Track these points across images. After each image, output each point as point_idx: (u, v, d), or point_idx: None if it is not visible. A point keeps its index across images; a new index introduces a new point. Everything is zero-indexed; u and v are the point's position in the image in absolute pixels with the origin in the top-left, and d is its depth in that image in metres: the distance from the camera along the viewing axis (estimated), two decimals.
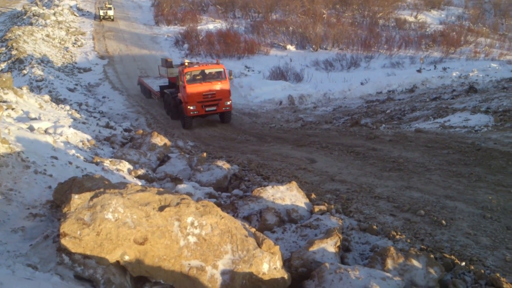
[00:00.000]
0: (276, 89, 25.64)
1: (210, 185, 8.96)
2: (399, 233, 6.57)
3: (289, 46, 35.24)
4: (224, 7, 44.13)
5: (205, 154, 11.40)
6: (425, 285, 5.09)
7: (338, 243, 5.85)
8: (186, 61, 21.13)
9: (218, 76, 19.62)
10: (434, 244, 6.25)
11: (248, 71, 30.40)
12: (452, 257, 5.77)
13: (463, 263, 5.60)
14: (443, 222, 6.93)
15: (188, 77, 19.16)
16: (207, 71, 19.48)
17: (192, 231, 5.00)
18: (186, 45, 35.27)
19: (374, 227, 6.78)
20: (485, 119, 14.27)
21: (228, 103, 19.63)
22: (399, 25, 38.17)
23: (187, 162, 10.29)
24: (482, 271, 5.38)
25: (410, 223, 7.04)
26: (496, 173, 9.18)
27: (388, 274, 5.06)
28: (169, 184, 8.68)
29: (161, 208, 5.13)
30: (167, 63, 23.89)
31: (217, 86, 19.31)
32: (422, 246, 6.14)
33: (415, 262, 5.32)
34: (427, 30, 37.78)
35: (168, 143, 11.62)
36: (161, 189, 5.89)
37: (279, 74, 29.45)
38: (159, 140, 11.42)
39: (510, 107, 14.76)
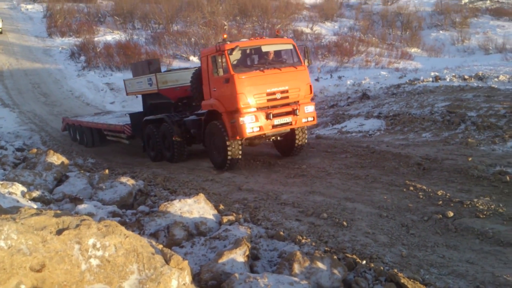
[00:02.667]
0: None
1: (114, 203, 8.61)
2: (304, 237, 6.78)
3: (191, 57, 35.19)
4: (122, 18, 42.93)
5: (107, 171, 10.95)
6: (330, 286, 5.29)
7: (247, 252, 5.89)
8: (224, 35, 11.94)
9: (287, 59, 11.44)
10: (337, 245, 6.54)
11: None
12: (354, 256, 6.07)
13: (364, 262, 5.91)
14: (344, 223, 7.29)
15: (235, 59, 10.73)
16: (266, 49, 11.19)
17: (94, 253, 4.75)
18: (82, 58, 33.73)
19: (281, 233, 6.94)
20: (377, 124, 15.30)
21: (311, 109, 11.39)
22: (297, 36, 39.78)
23: (88, 181, 9.80)
24: (382, 268, 5.69)
25: (315, 226, 7.30)
26: (389, 173, 9.87)
27: (296, 279, 5.20)
28: (68, 205, 8.20)
29: (59, 232, 4.83)
30: (151, 66, 14.78)
31: (291, 77, 10.98)
32: (326, 248, 6.39)
33: (320, 265, 5.52)
34: (323, 41, 39.76)
35: (66, 161, 10.98)
36: (58, 211, 5.55)
37: None
38: (56, 158, 10.76)
39: (399, 111, 15.96)
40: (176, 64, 34.07)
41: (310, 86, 11.41)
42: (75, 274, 4.58)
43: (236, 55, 10.81)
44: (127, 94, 17.47)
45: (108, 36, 39.40)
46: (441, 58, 29.17)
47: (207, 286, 5.49)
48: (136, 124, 14.85)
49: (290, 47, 11.46)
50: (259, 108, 10.71)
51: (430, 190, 8.50)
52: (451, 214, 7.31)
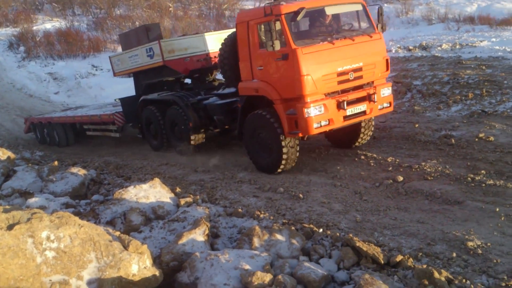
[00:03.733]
0: (129, 87, 24.77)
1: (66, 195, 8.40)
2: (262, 212, 6.88)
3: None
4: (61, 5, 41.16)
5: (56, 162, 10.63)
6: (289, 256, 5.42)
7: (207, 231, 5.93)
8: None
9: (356, 24, 8.79)
10: (295, 217, 6.68)
11: (96, 70, 28.85)
12: (311, 225, 6.22)
13: (321, 230, 6.07)
14: (301, 195, 7.44)
15: (295, 26, 8.16)
16: (332, 11, 8.39)
17: (49, 246, 4.66)
18: (22, 48, 32.22)
19: (240, 210, 7.01)
20: None
21: (388, 92, 8.74)
22: None
23: (37, 174, 9.48)
24: (338, 234, 5.89)
25: (272, 201, 7.41)
26: None
27: (256, 252, 5.29)
28: (18, 200, 7.94)
29: (10, 227, 4.70)
30: (150, 33, 11.85)
31: (366, 50, 8.34)
32: (284, 221, 6.51)
33: (279, 236, 5.63)
34: None
35: (13, 155, 10.58)
36: (7, 207, 5.37)
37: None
38: (1, 153, 10.33)
39: None
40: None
41: (387, 60, 8.52)
42: (30, 268, 4.48)
43: (295, 20, 7.84)
44: (114, 74, 14.10)
45: (47, 24, 37.74)
46: (386, 31, 29.80)
47: (168, 267, 5.50)
48: (129, 111, 12.35)
49: (360, 7, 8.62)
50: (328, 94, 7.96)
51: (380, 157, 8.78)
52: (401, 178, 7.60)
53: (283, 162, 8.41)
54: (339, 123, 8.14)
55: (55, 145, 15.44)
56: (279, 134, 8.22)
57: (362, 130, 9.27)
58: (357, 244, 5.26)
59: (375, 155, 8.92)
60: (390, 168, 8.21)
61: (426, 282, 4.56)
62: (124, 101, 12.69)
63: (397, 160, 8.51)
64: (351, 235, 5.68)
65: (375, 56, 8.43)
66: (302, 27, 8.40)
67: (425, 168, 7.91)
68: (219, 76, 11.83)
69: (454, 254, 5.17)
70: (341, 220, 6.47)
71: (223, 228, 6.49)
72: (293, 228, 5.94)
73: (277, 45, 7.56)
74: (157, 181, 7.69)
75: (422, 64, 14.98)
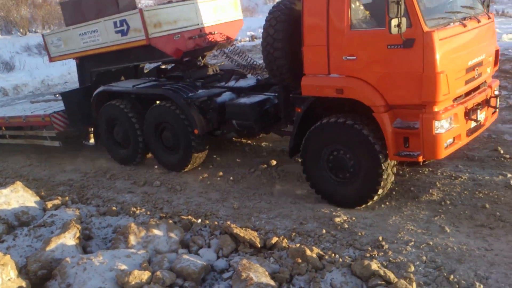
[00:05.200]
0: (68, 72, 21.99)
1: None
2: (139, 208, 6.68)
3: None
4: None
5: None
6: (168, 250, 5.33)
7: (78, 234, 5.58)
8: None
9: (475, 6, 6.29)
10: (173, 210, 6.59)
11: None
12: (189, 217, 6.19)
13: (199, 220, 6.07)
14: (178, 187, 7.35)
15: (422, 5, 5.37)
16: None
17: None
18: None
19: (114, 208, 6.71)
20: None
21: (496, 93, 6.64)
22: None
23: None
24: (216, 222, 5.93)
25: (148, 195, 7.23)
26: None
27: (133, 250, 5.11)
28: None
29: None
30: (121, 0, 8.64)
31: (487, 36, 6.28)
32: (161, 215, 6.39)
33: (156, 232, 5.50)
34: None
35: None
36: None
37: None
38: None
39: None
40: None
41: (497, 51, 6.61)
42: None
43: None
44: (51, 59, 10.23)
45: None
46: (255, 18, 30.49)
47: (36, 277, 5.08)
48: (75, 109, 9.30)
49: None
50: (455, 99, 5.77)
51: (255, 143, 9.01)
52: (274, 162, 7.87)
53: (379, 191, 5.93)
54: (464, 139, 5.91)
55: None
56: (379, 156, 5.72)
57: None
58: (235, 231, 5.34)
59: (249, 142, 9.12)
60: (264, 153, 8.46)
61: (300, 260, 4.78)
62: (68, 96, 9.41)
63: (270, 144, 8.80)
64: (229, 222, 5.76)
65: (493, 45, 6.48)
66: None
67: None
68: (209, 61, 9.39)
69: (324, 231, 5.51)
70: (219, 208, 6.53)
71: (97, 229, 6.17)
72: (170, 221, 5.84)
73: (404, 25, 5.10)
74: (19, 184, 7.03)
75: None
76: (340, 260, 4.86)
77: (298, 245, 5.11)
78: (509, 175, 6.46)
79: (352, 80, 5.79)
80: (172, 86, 7.99)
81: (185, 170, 7.90)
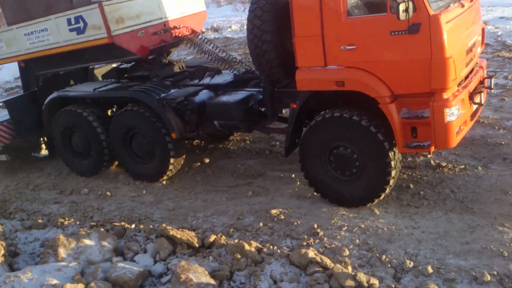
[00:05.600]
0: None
1: None
2: (67, 219, 6.41)
3: None
4: None
5: None
6: (102, 259, 5.15)
7: (2, 251, 5.26)
8: None
9: None
10: (104, 217, 6.37)
11: None
12: (122, 223, 6.01)
13: (133, 225, 5.90)
14: (108, 193, 7.10)
15: None
16: None
17: None
18: None
19: (40, 221, 6.38)
20: None
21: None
22: None
23: None
24: (151, 226, 5.79)
25: (77, 204, 6.93)
26: None
27: (63, 263, 4.88)
28: None
29: None
30: None
31: (477, 15, 6.21)
32: (92, 223, 6.15)
33: (87, 241, 5.29)
34: None
35: None
36: None
37: None
38: None
39: None
40: None
41: (483, 29, 6.45)
42: None
43: None
44: None
45: None
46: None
47: None
48: (22, 118, 8.39)
49: None
50: (459, 84, 5.54)
51: (187, 142, 8.86)
52: (207, 160, 7.80)
53: (391, 182, 5.61)
54: (469, 124, 5.74)
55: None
56: (384, 146, 5.42)
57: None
58: (171, 233, 5.25)
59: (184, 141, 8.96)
60: (197, 151, 8.37)
61: (239, 256, 4.80)
62: (13, 104, 8.38)
63: (203, 142, 8.71)
64: (164, 225, 5.66)
65: (480, 23, 6.31)
66: None
67: (228, 147, 8.27)
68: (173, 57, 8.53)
69: (261, 224, 5.56)
70: (154, 211, 6.39)
71: (23, 244, 5.83)
72: (102, 229, 5.65)
73: (411, 9, 4.82)
74: None
75: (216, 46, 15.55)
76: (279, 251, 4.93)
77: (236, 240, 5.11)
78: (429, 155, 6.83)
79: (353, 71, 5.40)
80: (141, 87, 7.21)
81: (163, 179, 7.24)
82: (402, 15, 4.74)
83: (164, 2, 7.72)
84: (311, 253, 4.64)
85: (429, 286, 4.11)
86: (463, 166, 6.43)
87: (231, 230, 5.56)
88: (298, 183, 6.55)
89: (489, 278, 4.18)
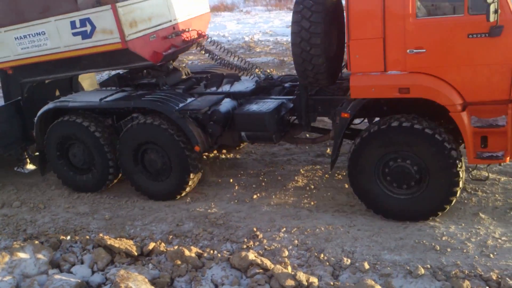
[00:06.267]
0: None
1: None
2: None
3: None
4: None
5: None
6: (38, 272, 4.97)
7: None
8: None
9: None
10: (38, 230, 6.13)
11: None
12: (57, 235, 5.81)
13: (69, 237, 5.72)
14: (41, 205, 6.82)
15: None
16: None
17: None
18: None
19: None
20: None
21: None
22: None
23: None
24: (88, 236, 5.65)
25: (8, 218, 6.61)
26: None
27: None
28: None
29: None
30: None
31: None
32: (25, 236, 5.90)
33: (21, 255, 5.07)
34: None
35: None
36: None
37: None
38: None
39: None
40: None
41: None
42: None
43: None
44: None
45: None
46: None
47: None
48: (5, 130, 7.49)
49: None
50: None
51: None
52: None
53: (458, 193, 5.26)
54: None
55: None
56: (454, 158, 5.05)
57: None
58: (109, 243, 5.15)
59: None
60: None
61: (179, 262, 4.79)
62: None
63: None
64: (101, 234, 5.52)
65: None
66: None
67: None
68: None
69: (201, 229, 5.57)
70: (90, 221, 6.22)
71: None
72: (37, 242, 5.43)
73: (498, 10, 4.52)
74: None
75: None
76: (219, 255, 4.96)
77: (176, 247, 5.08)
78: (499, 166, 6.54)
79: (420, 77, 5.03)
80: (155, 96, 6.54)
81: (181, 196, 6.56)
82: (492, 16, 4.41)
83: (174, 4, 7.15)
84: (251, 255, 4.71)
85: (366, 282, 4.26)
86: None
87: (171, 237, 5.52)
88: (237, 187, 6.62)
89: (422, 271, 4.40)
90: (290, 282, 4.33)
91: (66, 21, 6.58)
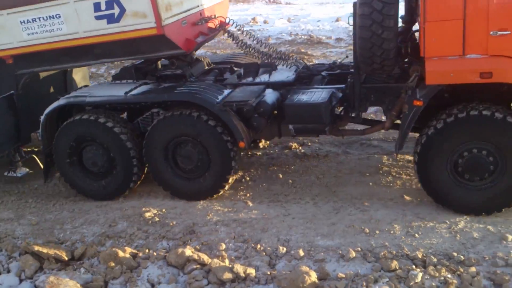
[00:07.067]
0: None
1: None
2: None
3: None
4: None
5: None
6: None
7: None
8: None
9: None
10: None
11: None
12: None
13: None
14: None
15: None
16: None
17: None
18: None
19: None
20: None
21: None
22: None
23: None
24: (13, 244, 5.33)
25: None
26: None
27: None
28: None
29: None
30: None
31: None
32: None
33: None
34: None
35: None
36: None
37: None
38: None
39: None
40: None
41: None
42: None
43: None
44: None
45: None
46: None
47: None
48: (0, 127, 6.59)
49: None
50: None
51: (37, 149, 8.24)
52: None
53: None
54: None
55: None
56: None
57: None
58: (36, 249, 4.91)
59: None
60: None
61: (113, 264, 4.64)
62: None
63: None
64: (27, 240, 5.25)
65: None
66: None
67: None
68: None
69: (135, 229, 5.40)
70: (15, 227, 5.86)
71: None
72: None
73: None
74: None
75: None
76: (155, 254, 4.85)
77: (109, 249, 4.92)
78: (293, 146, 7.25)
79: (505, 60, 4.76)
80: (189, 88, 6.01)
81: (216, 196, 6.10)
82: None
83: None
84: (188, 251, 4.65)
85: (301, 269, 4.32)
86: (325, 154, 6.94)
87: (103, 238, 5.31)
88: None
89: (354, 254, 4.54)
90: (228, 275, 4.33)
91: (89, 3, 5.82)
